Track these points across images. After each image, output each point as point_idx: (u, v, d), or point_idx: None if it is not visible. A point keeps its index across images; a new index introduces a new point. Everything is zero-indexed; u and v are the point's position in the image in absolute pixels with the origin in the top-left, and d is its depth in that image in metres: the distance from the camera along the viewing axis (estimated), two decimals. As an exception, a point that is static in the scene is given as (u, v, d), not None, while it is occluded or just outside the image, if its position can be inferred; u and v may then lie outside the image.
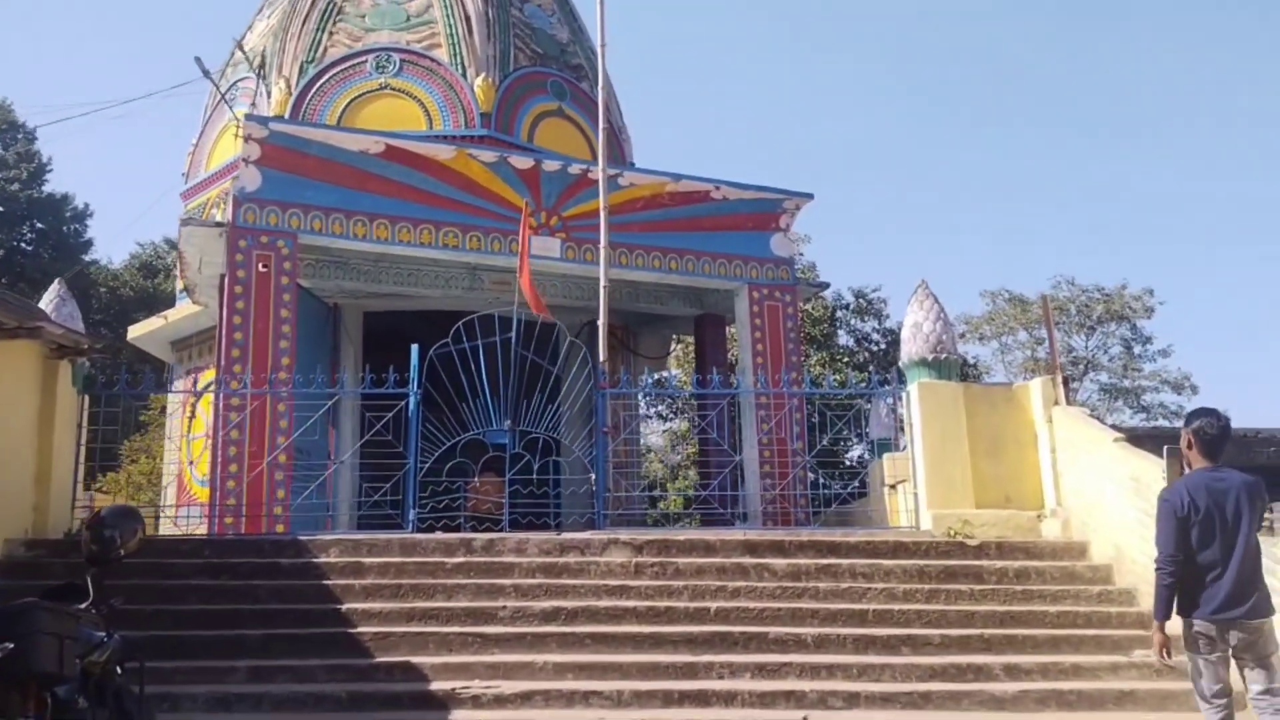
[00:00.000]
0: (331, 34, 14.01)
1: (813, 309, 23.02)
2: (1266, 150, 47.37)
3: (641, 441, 21.47)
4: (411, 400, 9.10)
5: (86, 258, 29.06)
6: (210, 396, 11.54)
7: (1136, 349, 27.92)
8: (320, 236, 11.48)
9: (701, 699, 6.50)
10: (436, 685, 6.52)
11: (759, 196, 13.32)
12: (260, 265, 11.00)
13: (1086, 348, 28.05)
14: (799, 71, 61.44)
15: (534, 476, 9.62)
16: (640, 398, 18.86)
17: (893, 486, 10.25)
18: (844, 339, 24.91)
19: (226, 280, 11.07)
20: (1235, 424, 5.46)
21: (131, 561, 6.32)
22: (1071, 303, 27.44)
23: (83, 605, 4.64)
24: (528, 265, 10.69)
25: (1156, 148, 53.49)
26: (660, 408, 25.61)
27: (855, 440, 17.03)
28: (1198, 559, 4.81)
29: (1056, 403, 9.33)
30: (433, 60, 13.83)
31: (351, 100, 13.57)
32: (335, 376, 10.98)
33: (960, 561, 8.34)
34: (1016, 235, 53.43)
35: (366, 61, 13.75)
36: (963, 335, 27.10)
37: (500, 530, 8.99)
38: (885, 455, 10.64)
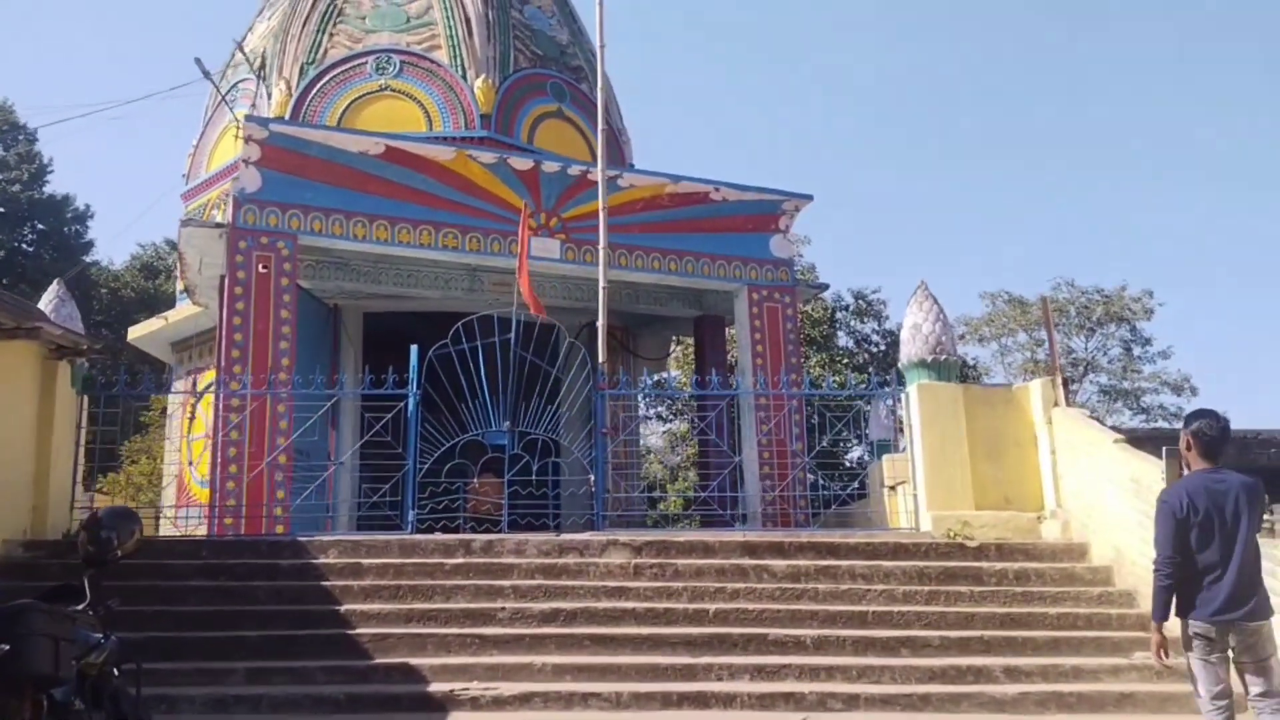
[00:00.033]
0: (332, 35, 14.02)
1: (812, 310, 23.01)
2: (1267, 151, 47.37)
3: (641, 443, 21.45)
4: (410, 401, 9.09)
5: (88, 259, 29.07)
6: (211, 397, 11.54)
7: (1136, 350, 27.92)
8: (320, 237, 11.49)
9: (700, 701, 6.49)
10: (435, 687, 6.51)
11: (758, 198, 13.32)
12: (260, 266, 11.00)
13: (1086, 349, 28.05)
14: (799, 72, 61.48)
15: (533, 477, 9.61)
16: (640, 399, 18.84)
17: (892, 488, 10.24)
18: (843, 340, 24.91)
19: (226, 281, 11.07)
20: (1235, 426, 5.45)
21: (130, 563, 6.31)
22: (1071, 304, 27.43)
23: (79, 607, 4.63)
24: (526, 266, 10.68)
25: (1157, 148, 53.51)
26: (660, 409, 25.61)
27: (855, 442, 17.04)
28: (1197, 561, 4.79)
29: (1056, 404, 9.32)
30: (433, 62, 13.83)
31: (352, 102, 13.58)
32: (335, 377, 10.98)
33: (960, 563, 8.33)
34: (1017, 237, 53.44)
35: (367, 63, 13.76)
36: (962, 337, 27.09)
37: (499, 531, 8.98)
38: (885, 457, 10.63)
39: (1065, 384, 9.60)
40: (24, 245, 28.55)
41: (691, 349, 16.96)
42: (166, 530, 10.46)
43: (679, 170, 13.11)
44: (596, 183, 11.72)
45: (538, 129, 14.23)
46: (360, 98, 13.58)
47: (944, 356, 9.77)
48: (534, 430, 9.87)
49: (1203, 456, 4.96)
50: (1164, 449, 7.27)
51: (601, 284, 10.98)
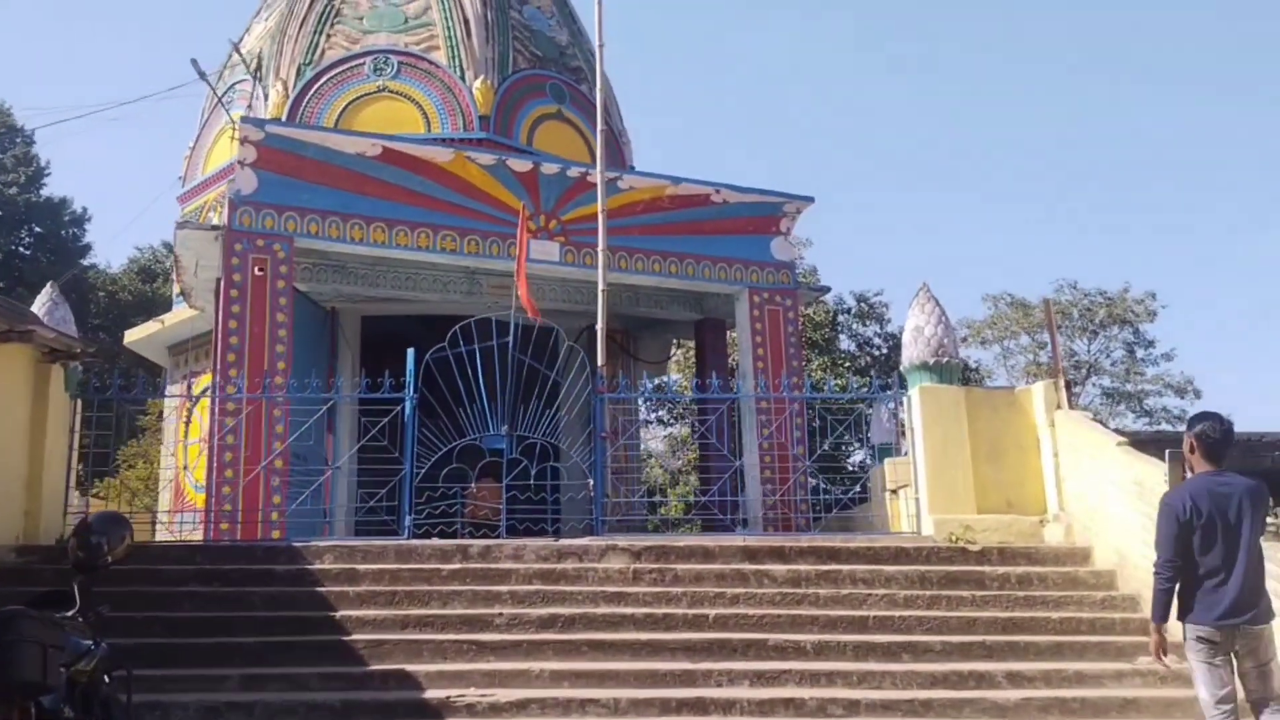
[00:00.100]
0: (329, 36, 13.96)
1: (814, 313, 22.94)
2: (1269, 152, 47.36)
3: (642, 447, 21.38)
4: (407, 405, 9.02)
5: (85, 262, 29.05)
6: (207, 401, 11.47)
7: (1139, 353, 27.86)
8: (317, 240, 11.42)
9: (700, 707, 6.42)
10: (431, 693, 6.45)
11: (759, 200, 13.25)
12: (256, 269, 10.94)
13: (1089, 352, 27.99)
14: (800, 74, 61.49)
15: (532, 482, 9.54)
16: (640, 402, 18.78)
17: (894, 491, 10.16)
18: (845, 343, 24.85)
19: (222, 284, 11.00)
20: (1239, 428, 5.41)
21: (124, 568, 6.25)
22: (1074, 306, 27.37)
23: (69, 613, 4.58)
24: (525, 269, 10.61)
25: (1158, 150, 53.49)
26: (661, 413, 25.54)
27: (857, 445, 16.96)
28: (1199, 564, 4.78)
29: (1059, 407, 9.26)
30: (431, 63, 13.77)
31: (349, 103, 13.52)
32: (331, 381, 10.91)
33: (962, 567, 8.27)
34: (1019, 239, 53.41)
35: (364, 64, 13.70)
36: (964, 339, 27.02)
37: (497, 537, 8.91)
38: (886, 460, 10.55)
39: (1068, 386, 9.54)
40: (21, 248, 28.54)
41: (692, 352, 16.90)
42: (163, 535, 10.40)
43: (680, 172, 13.06)
44: (596, 184, 11.65)
45: (537, 130, 14.17)
46: (358, 99, 13.52)
47: (946, 359, 9.71)
48: (533, 434, 9.80)
49: (1206, 459, 4.95)
50: (1167, 452, 7.22)
51: (600, 286, 10.91)
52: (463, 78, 13.67)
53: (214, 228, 11.58)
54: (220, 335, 10.83)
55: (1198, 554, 4.78)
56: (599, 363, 10.42)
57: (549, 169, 12.35)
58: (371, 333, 13.23)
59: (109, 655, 4.62)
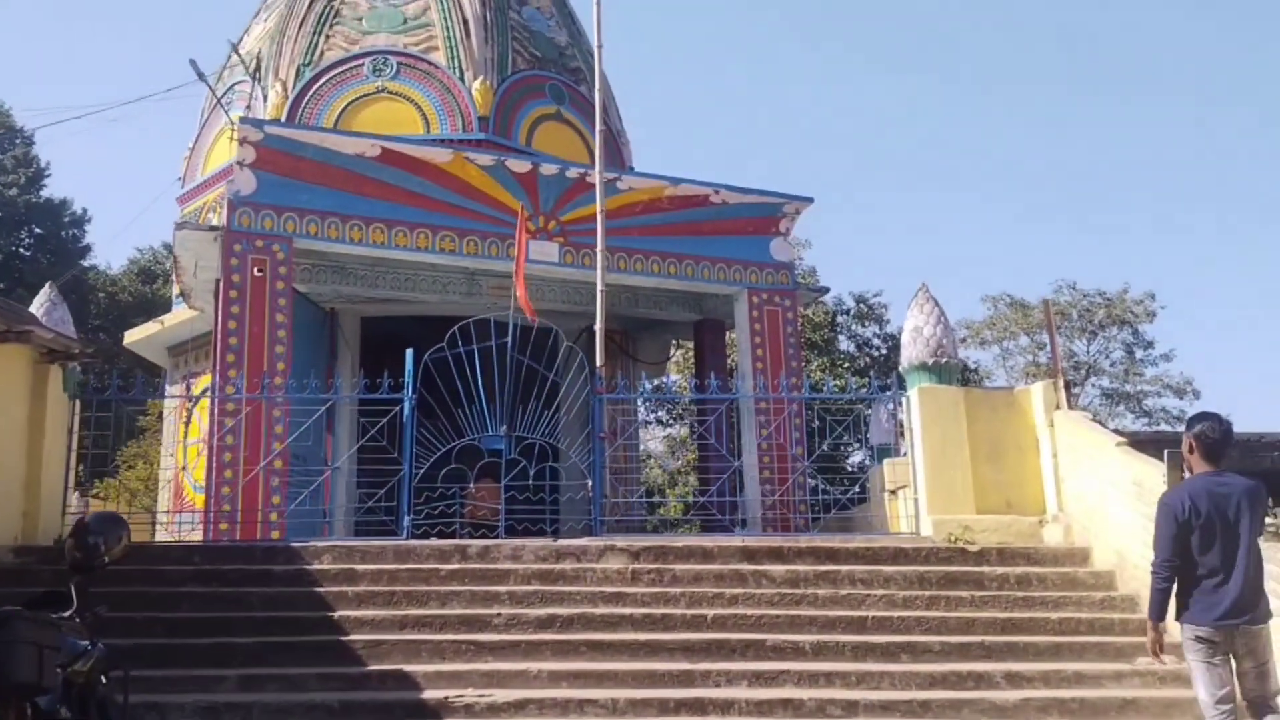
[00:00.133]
0: (328, 37, 13.96)
1: (813, 314, 22.93)
2: (1269, 153, 47.36)
3: (641, 447, 21.38)
4: (406, 406, 9.02)
5: (85, 263, 29.04)
6: (207, 402, 11.47)
7: (1138, 353, 27.86)
8: (316, 241, 11.42)
9: (698, 707, 6.41)
10: (429, 693, 6.44)
11: (759, 200, 13.25)
12: (255, 269, 10.94)
13: (1088, 352, 27.99)
14: (799, 75, 61.51)
15: (530, 482, 9.53)
16: (639, 403, 18.77)
17: (893, 492, 10.16)
18: (845, 344, 24.85)
19: (221, 285, 11.00)
20: (1238, 428, 5.42)
21: (122, 569, 6.25)
22: (1073, 307, 27.37)
23: (66, 614, 4.56)
24: (524, 270, 10.61)
25: (1158, 151, 53.50)
26: (660, 413, 25.55)
27: (856, 446, 16.94)
28: (1198, 563, 4.80)
29: (1058, 407, 9.25)
30: (430, 63, 13.78)
31: (348, 104, 13.52)
32: (330, 382, 10.91)
33: (961, 568, 8.26)
34: (1018, 240, 53.42)
35: (363, 64, 13.70)
36: (964, 340, 27.02)
37: (496, 537, 8.90)
38: (885, 461, 10.55)
39: (1067, 387, 9.53)
40: (21, 249, 28.53)
41: (691, 353, 16.89)
42: (163, 536, 10.39)
43: (679, 173, 13.06)
44: (595, 185, 11.65)
45: (536, 131, 14.18)
46: (357, 100, 13.52)
47: (945, 359, 9.70)
48: (531, 435, 9.80)
49: (1205, 459, 4.96)
50: (1165, 452, 7.21)
51: (599, 287, 10.90)
52: (462, 78, 13.67)
53: (213, 228, 11.59)
54: (219, 336, 10.83)
55: (1196, 554, 4.79)
56: (598, 363, 10.42)
57: (548, 170, 12.35)
58: (371, 333, 13.23)
59: (106, 656, 4.61)
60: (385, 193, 11.68)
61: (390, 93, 13.60)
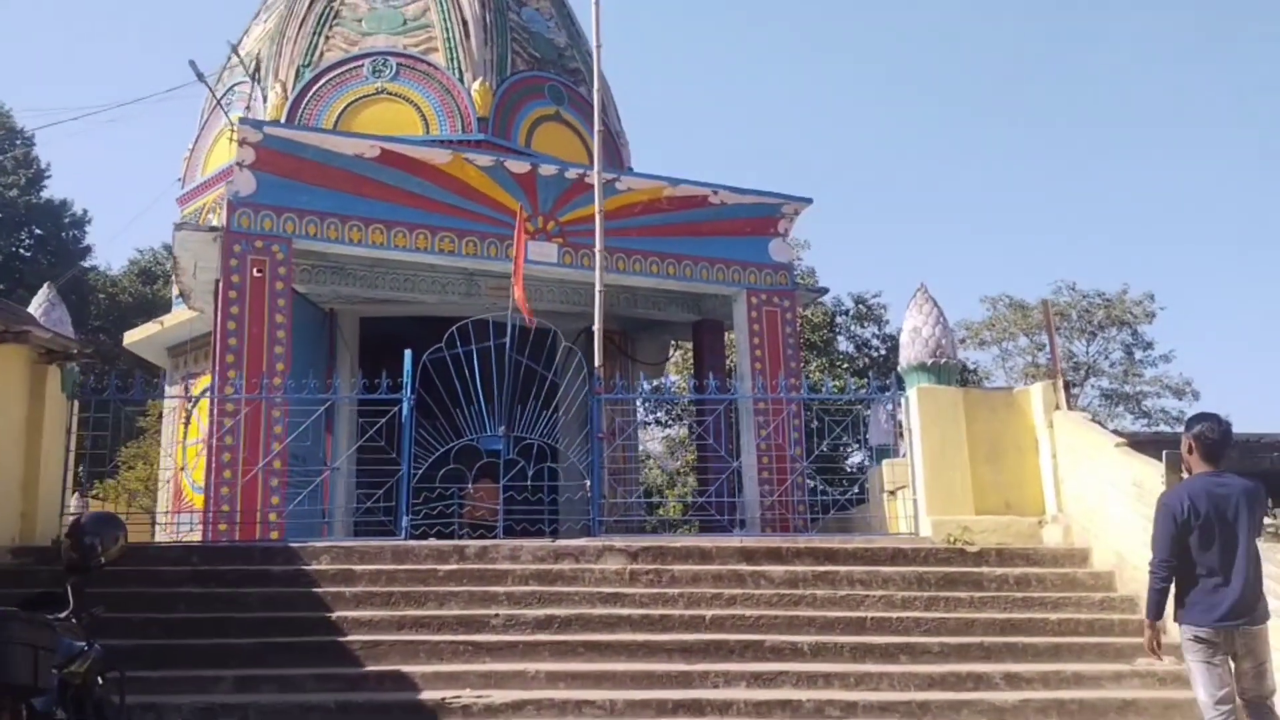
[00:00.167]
0: (328, 38, 13.96)
1: (812, 315, 22.93)
2: (1270, 154, 47.33)
3: (640, 448, 21.37)
4: (404, 406, 9.01)
5: (85, 264, 29.03)
6: (207, 402, 11.47)
7: (1138, 354, 27.84)
8: (315, 241, 11.41)
9: (696, 708, 6.40)
10: (427, 694, 6.42)
11: (757, 201, 13.24)
12: (255, 270, 10.93)
13: (1088, 353, 27.96)
14: (799, 76, 61.50)
15: (529, 483, 9.52)
16: (638, 404, 18.77)
17: (892, 493, 10.14)
18: (844, 345, 24.85)
19: (221, 285, 10.99)
20: (1238, 429, 5.41)
21: (120, 569, 6.25)
22: (1072, 308, 27.35)
23: (62, 614, 4.56)
24: (523, 271, 10.60)
25: (1158, 152, 53.48)
26: (659, 414, 25.54)
27: (855, 446, 16.92)
28: (1197, 564, 4.80)
29: (1057, 408, 9.23)
30: (429, 64, 13.77)
31: (348, 105, 13.52)
32: (329, 382, 10.91)
33: (960, 568, 8.25)
34: (1017, 241, 53.39)
35: (363, 66, 13.70)
36: (963, 341, 27.00)
37: (495, 537, 8.89)
38: (885, 461, 10.54)
39: (1066, 387, 9.52)
40: (21, 250, 28.52)
41: (690, 354, 16.87)
42: (163, 537, 10.38)
43: (678, 173, 13.05)
44: (594, 186, 11.64)
45: (535, 132, 14.17)
46: (357, 100, 13.52)
47: (944, 360, 9.68)
48: (530, 435, 9.79)
49: (1204, 460, 4.96)
50: (1164, 453, 7.20)
51: (597, 287, 10.89)
52: (461, 79, 13.66)
53: (212, 229, 11.59)
54: (219, 336, 10.82)
55: (1195, 554, 4.79)
56: (596, 363, 10.41)
57: (547, 170, 12.34)
58: (370, 334, 13.22)
59: (102, 657, 4.61)
60: (384, 193, 11.68)
61: (390, 94, 13.60)
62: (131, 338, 15.19)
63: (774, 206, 13.26)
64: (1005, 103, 56.97)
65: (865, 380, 20.97)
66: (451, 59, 13.80)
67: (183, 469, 12.52)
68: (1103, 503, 8.39)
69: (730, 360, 16.18)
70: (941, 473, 9.14)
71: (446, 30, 13.94)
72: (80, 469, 9.48)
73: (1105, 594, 7.99)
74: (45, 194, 29.06)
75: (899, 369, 10.04)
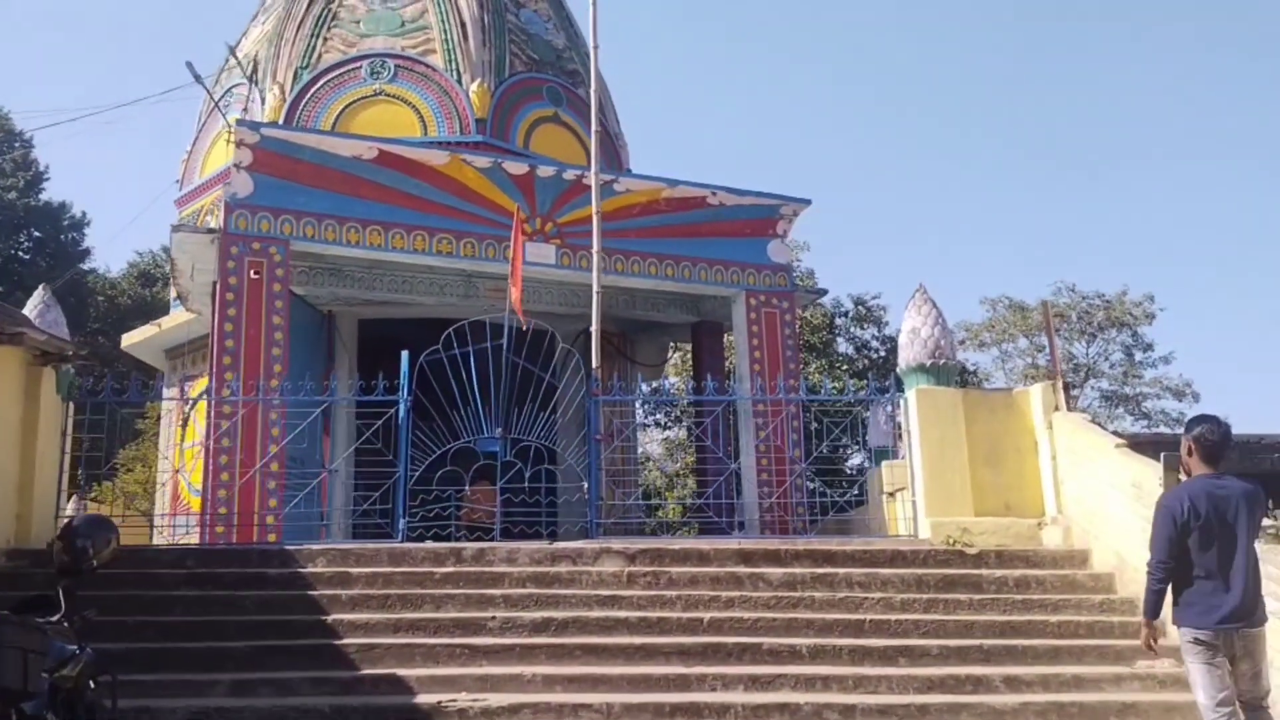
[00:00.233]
0: (326, 40, 13.95)
1: (811, 316, 22.91)
2: (1270, 153, 47.33)
3: (640, 450, 21.35)
4: (401, 408, 8.98)
5: (85, 266, 28.99)
6: (205, 405, 11.44)
7: (1138, 355, 27.78)
8: (313, 243, 11.39)
9: (694, 711, 6.36)
10: (423, 698, 6.38)
11: (756, 202, 13.22)
12: (252, 272, 10.91)
13: (1087, 354, 27.91)
14: (798, 77, 61.51)
15: (526, 485, 9.49)
16: (638, 405, 18.74)
17: (891, 494, 10.12)
18: (843, 347, 24.82)
19: (218, 287, 10.97)
20: (1238, 430, 5.40)
21: (115, 572, 6.21)
22: (1072, 309, 27.31)
23: (54, 618, 4.53)
24: (520, 271, 10.58)
25: (1158, 152, 53.47)
26: (658, 415, 25.51)
27: (854, 448, 16.90)
28: (1196, 565, 4.79)
29: (1057, 409, 9.20)
30: (428, 66, 13.76)
31: (346, 106, 13.51)
32: (327, 384, 10.88)
33: (959, 570, 8.22)
34: (1017, 242, 53.38)
35: (361, 67, 13.69)
36: (963, 342, 26.96)
37: (492, 539, 8.86)
38: (884, 463, 10.51)
39: (1066, 389, 9.50)
40: (20, 253, 28.48)
41: (689, 355, 16.84)
42: (160, 539, 10.36)
43: (677, 175, 13.02)
44: (592, 186, 11.61)
45: (534, 134, 14.16)
46: (355, 102, 13.51)
47: (943, 361, 9.65)
48: (527, 437, 9.76)
49: (1204, 462, 4.95)
50: (1162, 455, 7.17)
51: (595, 288, 10.86)
52: (459, 81, 13.65)
53: (209, 231, 11.57)
54: (216, 338, 10.80)
55: (1195, 556, 4.79)
56: (594, 364, 10.38)
57: (545, 171, 12.33)
58: (369, 336, 13.20)
59: (94, 660, 4.57)
60: (382, 195, 11.66)
61: (388, 95, 13.59)
62: (129, 340, 15.17)
63: (773, 208, 13.24)
64: (1005, 103, 56.99)
65: (864, 382, 20.94)
66: (450, 61, 13.78)
67: (177, 471, 12.49)
68: (1103, 504, 8.36)
69: (729, 362, 16.16)
70: (941, 474, 9.11)
71: (445, 32, 13.93)
72: (79, 472, 9.45)
73: (1105, 596, 7.95)
74: (44, 196, 29.02)
75: (898, 370, 10.02)
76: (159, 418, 15.80)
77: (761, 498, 11.70)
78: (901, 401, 9.68)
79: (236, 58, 14.31)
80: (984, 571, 8.19)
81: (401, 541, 8.59)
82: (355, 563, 7.90)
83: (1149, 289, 33.15)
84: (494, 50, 14.11)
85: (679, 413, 23.85)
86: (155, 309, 23.98)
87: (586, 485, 9.49)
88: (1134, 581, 7.74)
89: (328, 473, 10.35)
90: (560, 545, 8.32)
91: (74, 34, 57.63)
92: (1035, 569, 8.32)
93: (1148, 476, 7.60)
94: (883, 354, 23.98)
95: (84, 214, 29.76)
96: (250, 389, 10.24)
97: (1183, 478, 5.14)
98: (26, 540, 8.06)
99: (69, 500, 9.90)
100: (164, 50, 55.14)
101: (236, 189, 11.15)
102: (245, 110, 13.73)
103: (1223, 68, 51.67)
